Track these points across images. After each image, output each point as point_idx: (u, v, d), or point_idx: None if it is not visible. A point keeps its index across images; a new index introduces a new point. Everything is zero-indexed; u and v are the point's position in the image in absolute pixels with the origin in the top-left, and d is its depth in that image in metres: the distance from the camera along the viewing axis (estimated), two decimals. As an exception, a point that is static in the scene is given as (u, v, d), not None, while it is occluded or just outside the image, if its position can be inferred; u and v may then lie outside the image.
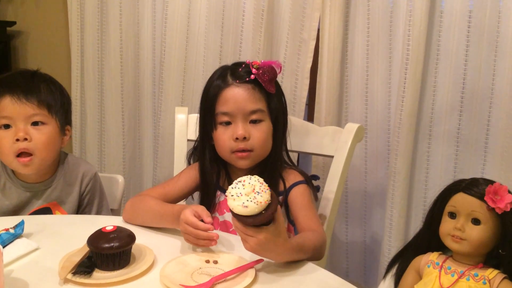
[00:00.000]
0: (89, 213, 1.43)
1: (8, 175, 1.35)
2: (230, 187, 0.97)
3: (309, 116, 1.98)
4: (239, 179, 0.97)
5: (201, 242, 1.06)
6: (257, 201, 0.93)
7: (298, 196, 1.27)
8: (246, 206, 0.93)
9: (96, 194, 1.44)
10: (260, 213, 0.94)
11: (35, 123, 1.27)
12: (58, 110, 1.33)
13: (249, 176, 0.97)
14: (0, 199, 1.33)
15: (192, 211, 1.08)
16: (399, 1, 1.69)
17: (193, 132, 1.56)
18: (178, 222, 1.10)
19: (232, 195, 0.95)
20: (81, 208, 1.42)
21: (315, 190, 1.35)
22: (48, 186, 1.36)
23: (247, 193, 0.94)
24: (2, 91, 1.26)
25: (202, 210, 1.09)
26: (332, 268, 1.96)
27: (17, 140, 1.24)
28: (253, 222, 0.95)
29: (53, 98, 1.32)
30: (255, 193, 0.94)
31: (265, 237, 0.97)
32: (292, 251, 1.04)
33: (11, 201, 1.33)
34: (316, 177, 1.42)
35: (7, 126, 1.25)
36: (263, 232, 0.96)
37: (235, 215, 0.96)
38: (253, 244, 0.97)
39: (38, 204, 1.35)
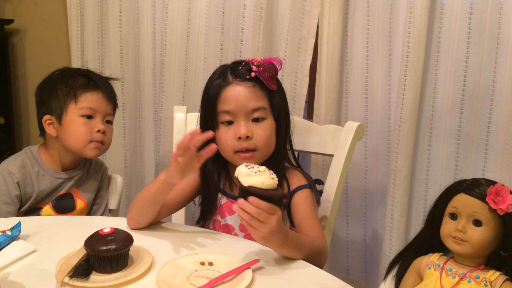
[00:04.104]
0: (101, 205, 1.55)
1: (39, 164, 1.45)
2: (242, 165, 1.00)
3: (309, 113, 1.97)
4: (244, 164, 1.01)
5: (193, 140, 1.05)
6: (275, 176, 0.99)
7: (301, 202, 1.25)
8: (273, 178, 0.98)
9: (107, 190, 1.58)
10: (276, 189, 0.99)
11: (108, 121, 1.49)
12: None
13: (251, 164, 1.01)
14: (35, 184, 1.43)
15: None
16: (399, -3, 1.68)
17: (192, 132, 1.55)
18: (167, 178, 1.12)
19: (254, 172, 0.98)
20: (95, 200, 1.54)
21: (318, 195, 1.33)
22: (74, 175, 1.49)
23: (265, 170, 0.99)
24: (95, 86, 1.46)
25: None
26: (333, 266, 1.95)
27: (99, 131, 1.43)
28: (274, 194, 0.98)
29: None
30: (269, 171, 1.00)
31: (277, 222, 0.98)
32: (292, 244, 1.04)
33: (45, 187, 1.44)
34: (320, 182, 1.40)
35: (89, 117, 1.43)
36: (275, 218, 0.98)
37: (254, 192, 0.96)
38: (266, 231, 0.97)
39: (63, 190, 1.47)
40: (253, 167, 1.00)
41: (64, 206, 1.46)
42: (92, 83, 1.46)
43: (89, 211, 1.53)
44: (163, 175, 1.13)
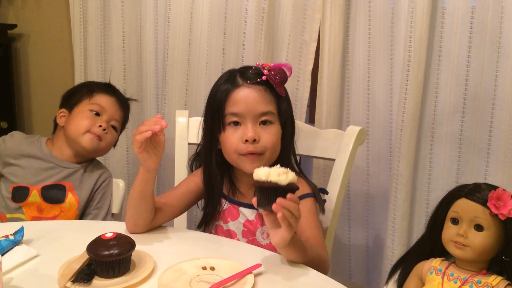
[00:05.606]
0: (101, 209, 1.55)
1: (41, 147, 1.54)
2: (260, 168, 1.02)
3: (311, 117, 1.97)
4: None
5: (154, 127, 1.15)
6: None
7: (305, 212, 1.23)
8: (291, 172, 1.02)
9: (108, 195, 1.59)
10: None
11: (113, 126, 1.58)
12: None
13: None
14: (29, 161, 1.52)
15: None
16: (400, 1, 1.68)
17: (195, 136, 1.55)
18: (143, 167, 1.17)
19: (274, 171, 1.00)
20: (93, 203, 1.56)
21: (322, 204, 1.33)
22: (68, 166, 1.54)
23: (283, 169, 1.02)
24: (112, 92, 1.60)
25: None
26: (335, 270, 1.95)
27: (100, 126, 1.52)
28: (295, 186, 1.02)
29: None
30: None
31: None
32: (297, 243, 1.06)
33: (36, 165, 1.51)
34: (324, 191, 1.40)
35: (97, 114, 1.54)
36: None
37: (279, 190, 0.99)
38: (296, 227, 1.02)
39: (56, 179, 1.51)
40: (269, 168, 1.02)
41: (53, 197, 1.49)
42: (110, 90, 1.61)
43: (86, 214, 1.54)
44: (140, 167, 1.18)
